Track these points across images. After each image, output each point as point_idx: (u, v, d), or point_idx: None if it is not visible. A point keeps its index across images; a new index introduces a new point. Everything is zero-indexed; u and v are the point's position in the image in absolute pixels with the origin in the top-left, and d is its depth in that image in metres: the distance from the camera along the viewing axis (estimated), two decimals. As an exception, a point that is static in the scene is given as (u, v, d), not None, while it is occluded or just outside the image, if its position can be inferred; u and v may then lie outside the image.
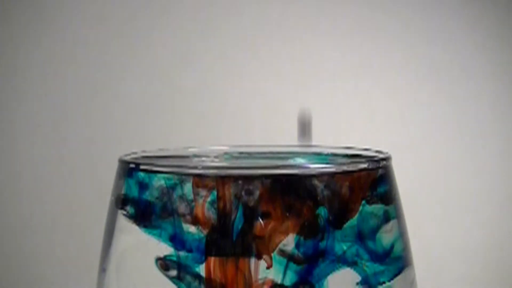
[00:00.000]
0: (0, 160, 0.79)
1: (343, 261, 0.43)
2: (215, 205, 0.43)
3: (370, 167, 0.46)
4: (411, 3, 0.80)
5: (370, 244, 0.44)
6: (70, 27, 0.79)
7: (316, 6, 0.80)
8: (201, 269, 0.43)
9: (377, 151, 0.52)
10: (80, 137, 0.78)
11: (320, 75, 0.80)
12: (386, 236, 0.45)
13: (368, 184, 0.45)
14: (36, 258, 0.79)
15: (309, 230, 0.43)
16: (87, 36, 0.79)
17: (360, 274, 0.44)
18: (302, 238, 0.43)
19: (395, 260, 0.46)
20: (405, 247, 0.47)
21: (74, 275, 0.78)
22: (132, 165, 0.46)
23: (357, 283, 0.44)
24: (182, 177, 0.43)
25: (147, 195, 0.45)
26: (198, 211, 0.43)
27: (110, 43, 0.79)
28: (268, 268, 0.42)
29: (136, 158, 0.50)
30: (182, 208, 0.43)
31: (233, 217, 0.42)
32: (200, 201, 0.43)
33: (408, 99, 0.80)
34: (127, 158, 0.49)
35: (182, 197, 0.43)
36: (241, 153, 0.58)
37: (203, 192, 0.43)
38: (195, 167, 0.45)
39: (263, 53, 0.80)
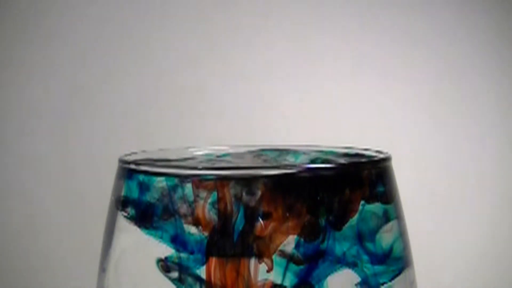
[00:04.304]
0: None
1: (343, 262, 0.43)
2: (216, 206, 0.43)
3: (370, 167, 0.46)
4: (411, 3, 0.80)
5: (370, 244, 0.44)
6: (71, 26, 0.79)
7: (316, 5, 0.80)
8: (202, 271, 0.43)
9: (377, 151, 0.52)
10: (80, 137, 0.78)
11: (320, 74, 0.80)
12: (386, 236, 0.45)
13: (368, 184, 0.45)
14: (36, 258, 0.79)
15: (309, 230, 0.43)
16: (87, 35, 0.79)
17: (359, 275, 0.44)
18: (302, 239, 0.43)
19: (395, 260, 0.46)
20: (405, 247, 0.47)
21: (74, 275, 0.78)
22: (132, 166, 0.46)
23: (356, 284, 0.44)
24: (182, 178, 0.44)
25: (147, 196, 0.45)
26: (199, 212, 0.43)
27: (110, 42, 0.79)
28: (268, 271, 0.42)
29: (136, 158, 0.50)
30: (183, 209, 0.43)
31: (234, 218, 0.42)
32: (201, 202, 0.43)
33: (408, 99, 0.80)
34: (127, 158, 0.49)
35: (182, 198, 0.43)
36: (240, 153, 0.58)
37: (203, 193, 0.43)
38: (195, 168, 0.45)
39: (263, 53, 0.80)
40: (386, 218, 0.46)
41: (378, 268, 0.45)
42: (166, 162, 0.54)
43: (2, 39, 0.79)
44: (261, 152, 0.58)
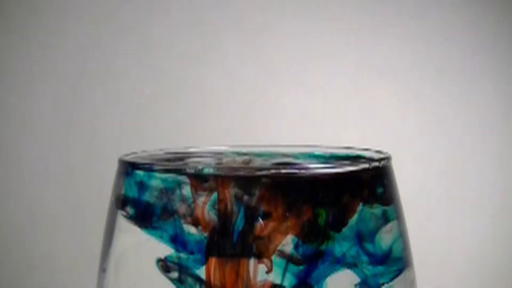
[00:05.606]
0: None
1: (343, 262, 0.43)
2: (216, 206, 0.43)
3: (370, 167, 0.46)
4: (411, 3, 0.80)
5: (369, 245, 0.44)
6: (71, 26, 0.79)
7: (316, 6, 0.80)
8: (202, 271, 0.43)
9: (377, 151, 0.52)
10: (80, 137, 0.78)
11: (320, 74, 0.80)
12: (385, 237, 0.45)
13: (368, 184, 0.45)
14: (36, 258, 0.79)
15: (309, 231, 0.43)
16: (87, 35, 0.79)
17: (359, 275, 0.44)
18: (302, 239, 0.43)
19: (395, 261, 0.46)
20: (405, 248, 0.47)
21: (74, 275, 0.78)
22: (132, 165, 0.46)
23: (356, 285, 0.44)
24: (182, 178, 0.43)
25: (147, 196, 0.45)
26: (199, 212, 0.43)
27: (110, 42, 0.79)
28: (268, 272, 0.42)
29: (136, 158, 0.50)
30: (182, 209, 0.43)
31: (234, 218, 0.42)
32: (201, 202, 0.43)
33: (408, 99, 0.80)
34: (127, 158, 0.49)
35: (182, 198, 0.43)
36: (240, 153, 0.58)
37: (203, 193, 0.43)
38: (195, 168, 0.45)
39: (263, 53, 0.80)
40: (386, 218, 0.46)
41: (378, 268, 0.45)
42: (166, 162, 0.54)
43: (1, 39, 0.79)
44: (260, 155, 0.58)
